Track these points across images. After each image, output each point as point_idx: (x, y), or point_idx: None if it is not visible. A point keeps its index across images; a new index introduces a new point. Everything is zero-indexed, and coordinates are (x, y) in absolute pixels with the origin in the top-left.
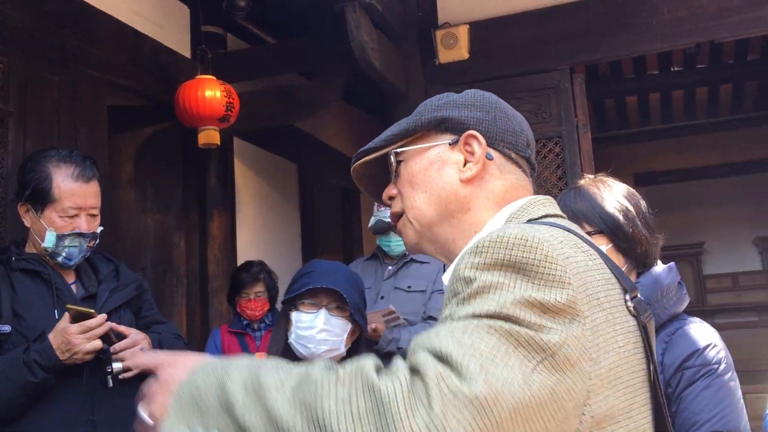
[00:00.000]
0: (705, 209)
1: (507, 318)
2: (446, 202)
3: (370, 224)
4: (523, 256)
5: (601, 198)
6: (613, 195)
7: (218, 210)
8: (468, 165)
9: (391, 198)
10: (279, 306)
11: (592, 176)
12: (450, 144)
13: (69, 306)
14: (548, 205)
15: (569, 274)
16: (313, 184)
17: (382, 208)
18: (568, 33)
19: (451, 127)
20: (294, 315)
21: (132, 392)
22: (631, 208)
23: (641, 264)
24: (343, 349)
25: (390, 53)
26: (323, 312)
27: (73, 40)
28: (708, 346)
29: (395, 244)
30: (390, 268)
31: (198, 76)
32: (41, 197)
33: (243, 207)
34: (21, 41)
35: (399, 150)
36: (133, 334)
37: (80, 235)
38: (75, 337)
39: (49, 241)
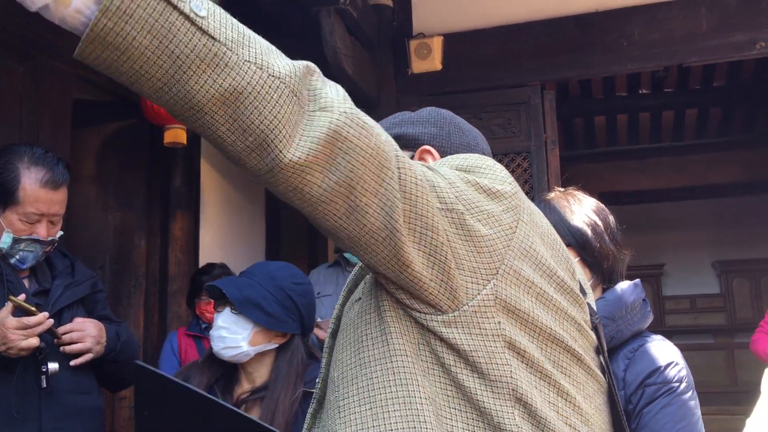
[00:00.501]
0: (666, 231)
1: (443, 175)
2: None
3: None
4: (475, 163)
5: (570, 211)
6: (583, 209)
7: (182, 211)
8: None
9: None
10: None
11: (562, 189)
12: None
13: (11, 298)
14: None
15: (515, 184)
16: None
17: None
18: (540, 50)
19: (406, 143)
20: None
21: (81, 390)
22: (599, 222)
23: (607, 279)
24: (246, 349)
25: (363, 60)
26: (225, 312)
27: (39, 30)
28: (670, 364)
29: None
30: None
31: None
32: (4, 197)
33: (207, 209)
34: None
35: None
36: (86, 322)
37: (37, 240)
38: (11, 331)
39: (4, 242)
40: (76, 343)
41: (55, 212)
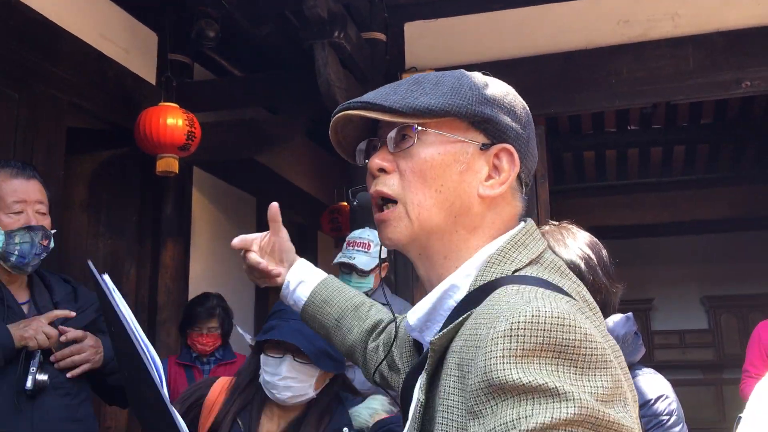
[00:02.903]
0: (655, 266)
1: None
2: (458, 213)
3: (336, 260)
4: (563, 338)
5: (564, 245)
6: (576, 242)
7: (172, 239)
8: (491, 182)
9: (381, 170)
10: (231, 341)
11: (556, 223)
12: (481, 148)
13: (57, 312)
14: (530, 243)
15: (608, 350)
16: None
17: (351, 248)
18: (530, 85)
19: (490, 129)
20: (262, 358)
21: (75, 418)
22: (593, 256)
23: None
24: (311, 394)
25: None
26: (288, 359)
27: (36, 58)
28: (660, 397)
29: (354, 286)
30: None
31: (161, 104)
32: None
33: (198, 238)
34: None
35: (424, 129)
36: (86, 335)
37: (30, 228)
38: (41, 325)
39: None
40: (75, 355)
41: (36, 199)
